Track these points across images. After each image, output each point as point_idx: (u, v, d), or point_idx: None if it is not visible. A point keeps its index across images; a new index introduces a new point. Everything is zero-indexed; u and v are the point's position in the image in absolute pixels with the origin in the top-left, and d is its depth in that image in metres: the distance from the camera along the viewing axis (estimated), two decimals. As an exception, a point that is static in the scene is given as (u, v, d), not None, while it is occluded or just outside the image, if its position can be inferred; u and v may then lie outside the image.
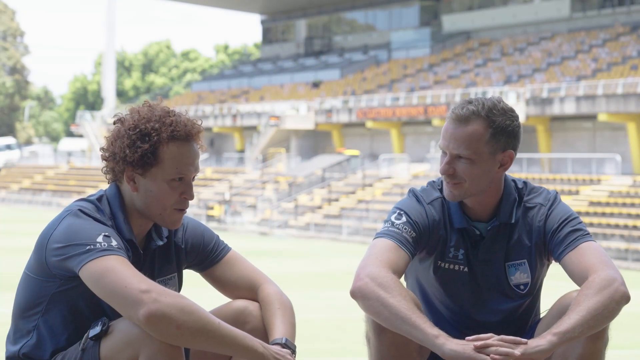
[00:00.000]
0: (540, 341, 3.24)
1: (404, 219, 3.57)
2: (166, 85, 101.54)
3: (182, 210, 3.34)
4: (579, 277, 3.44)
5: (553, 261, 3.67)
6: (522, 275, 3.64)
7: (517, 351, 3.21)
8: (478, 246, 3.62)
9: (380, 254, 3.47)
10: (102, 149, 3.35)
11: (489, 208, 3.62)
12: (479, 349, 3.22)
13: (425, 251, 3.63)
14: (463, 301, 3.66)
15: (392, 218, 3.57)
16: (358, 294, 3.39)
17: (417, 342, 3.33)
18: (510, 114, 3.52)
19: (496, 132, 3.50)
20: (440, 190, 3.66)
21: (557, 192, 3.70)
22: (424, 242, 3.59)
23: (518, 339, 3.24)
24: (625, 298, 3.35)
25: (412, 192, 3.68)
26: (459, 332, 3.63)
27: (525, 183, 3.70)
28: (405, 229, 3.54)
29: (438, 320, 3.68)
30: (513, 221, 3.61)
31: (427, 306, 3.72)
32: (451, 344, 3.24)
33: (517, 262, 3.62)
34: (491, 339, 3.24)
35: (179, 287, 3.50)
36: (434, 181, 3.71)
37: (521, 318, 3.70)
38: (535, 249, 3.63)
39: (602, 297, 3.32)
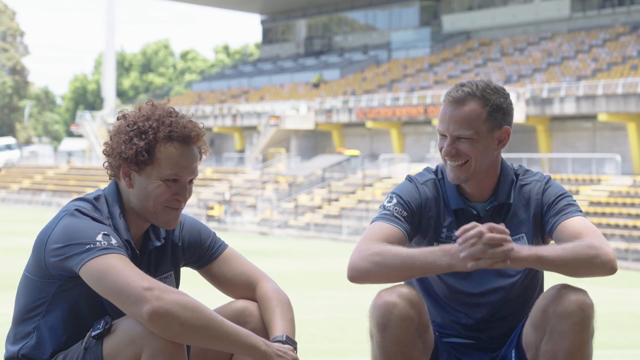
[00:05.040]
0: (522, 247, 3.34)
1: (394, 200, 3.66)
2: (165, 85, 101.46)
3: (175, 209, 3.33)
4: (569, 240, 3.50)
5: (548, 240, 3.71)
6: None
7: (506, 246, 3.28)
8: None
9: (371, 235, 3.55)
10: (105, 143, 3.38)
11: (487, 189, 3.70)
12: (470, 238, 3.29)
13: (420, 234, 3.69)
14: (458, 281, 3.70)
15: (385, 202, 3.68)
16: (356, 274, 3.45)
17: (438, 270, 3.38)
18: (502, 92, 3.65)
19: (492, 109, 3.60)
20: (436, 173, 3.75)
21: (549, 176, 3.79)
22: (416, 219, 3.66)
23: (502, 228, 3.31)
24: (610, 262, 3.40)
25: (408, 176, 3.79)
26: (455, 311, 3.71)
27: (520, 166, 3.80)
28: (396, 209, 3.63)
29: (434, 301, 3.75)
30: (511, 201, 3.69)
31: (423, 286, 3.77)
32: (455, 248, 3.33)
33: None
34: (476, 228, 3.30)
35: (176, 285, 3.49)
36: (429, 167, 3.81)
37: (520, 297, 3.72)
38: (533, 221, 3.69)
39: (591, 250, 3.39)
